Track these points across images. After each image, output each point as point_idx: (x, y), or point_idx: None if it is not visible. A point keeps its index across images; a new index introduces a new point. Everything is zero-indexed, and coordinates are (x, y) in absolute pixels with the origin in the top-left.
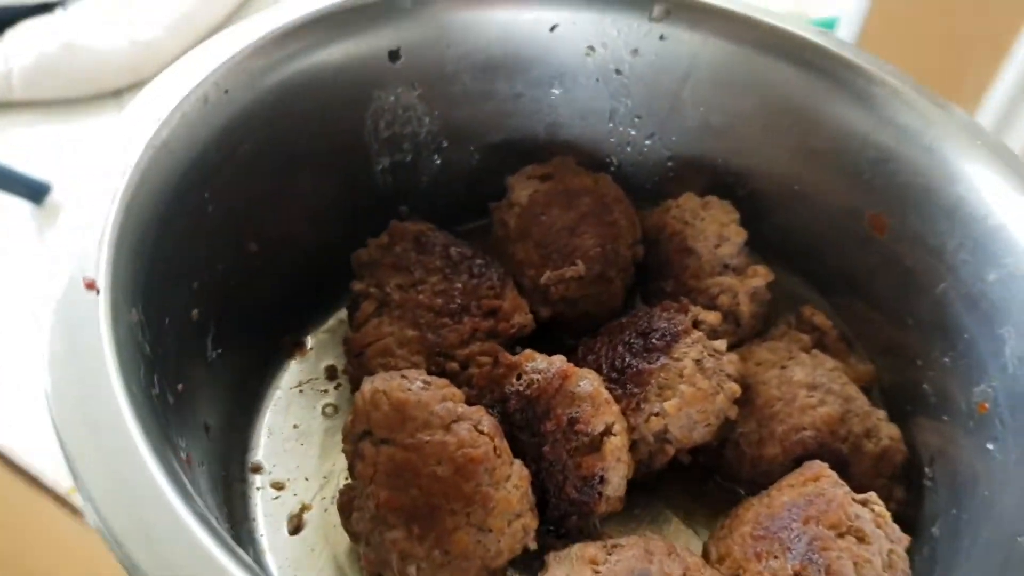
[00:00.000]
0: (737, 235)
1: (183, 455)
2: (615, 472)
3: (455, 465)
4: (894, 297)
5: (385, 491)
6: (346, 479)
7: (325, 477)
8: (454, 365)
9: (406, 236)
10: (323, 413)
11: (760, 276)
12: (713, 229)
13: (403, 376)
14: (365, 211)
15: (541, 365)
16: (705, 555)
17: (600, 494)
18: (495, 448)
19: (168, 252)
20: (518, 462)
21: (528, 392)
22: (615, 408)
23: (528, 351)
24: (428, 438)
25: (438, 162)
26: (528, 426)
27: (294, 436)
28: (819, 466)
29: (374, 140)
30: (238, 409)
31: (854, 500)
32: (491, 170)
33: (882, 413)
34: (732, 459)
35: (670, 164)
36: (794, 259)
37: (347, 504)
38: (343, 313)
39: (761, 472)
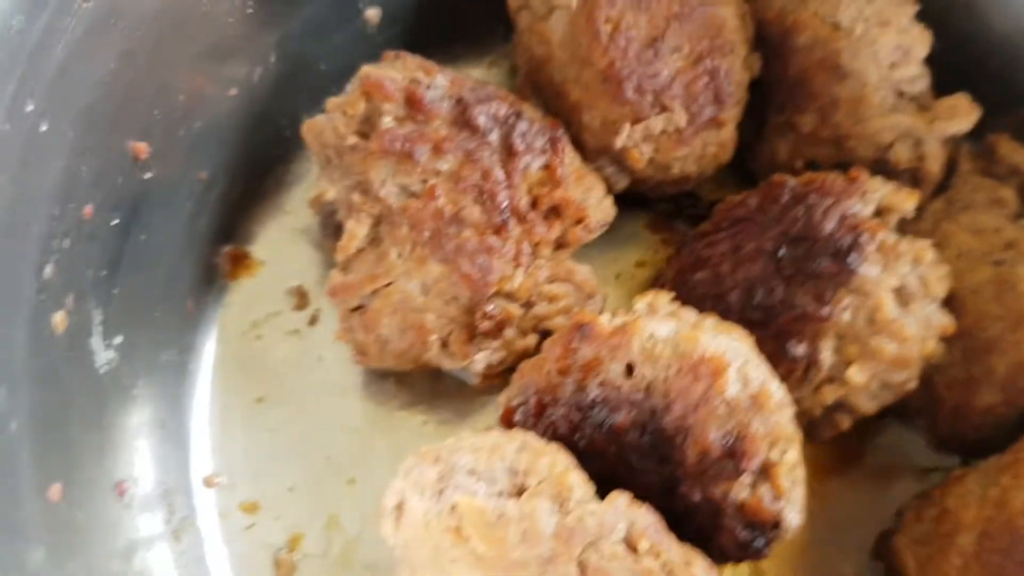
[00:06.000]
0: (921, 44)
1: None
2: (793, 506)
3: None
4: None
5: None
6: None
7: (319, 483)
8: (512, 309)
9: (390, 90)
10: (301, 367)
11: (962, 115)
12: (887, 39)
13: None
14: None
15: (664, 351)
16: (892, 564)
17: (772, 540)
18: None
19: None
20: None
21: (648, 400)
22: (783, 402)
23: (633, 322)
24: None
25: None
26: (652, 449)
27: (262, 416)
28: None
29: None
30: (162, 392)
31: None
32: None
33: None
34: (922, 405)
35: None
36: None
37: None
38: (298, 199)
39: (968, 427)
